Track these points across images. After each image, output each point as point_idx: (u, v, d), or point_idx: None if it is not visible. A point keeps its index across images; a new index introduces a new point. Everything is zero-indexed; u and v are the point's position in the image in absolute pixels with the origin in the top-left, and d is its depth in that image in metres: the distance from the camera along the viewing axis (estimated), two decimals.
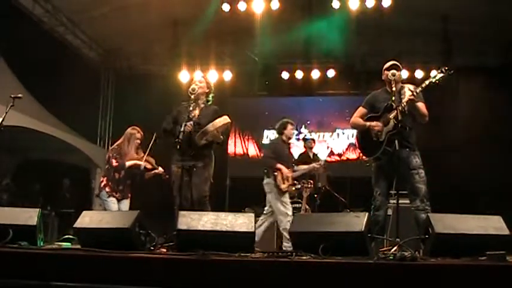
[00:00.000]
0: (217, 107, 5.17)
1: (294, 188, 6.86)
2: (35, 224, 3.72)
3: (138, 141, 5.86)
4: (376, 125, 4.58)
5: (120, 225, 3.51)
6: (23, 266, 3.12)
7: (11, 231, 3.58)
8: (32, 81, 8.64)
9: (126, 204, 5.83)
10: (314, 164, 7.21)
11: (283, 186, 6.32)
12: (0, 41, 8.22)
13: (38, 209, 3.84)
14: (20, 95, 5.09)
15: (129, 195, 5.88)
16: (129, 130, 5.92)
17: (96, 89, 11.30)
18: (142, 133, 5.93)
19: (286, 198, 6.41)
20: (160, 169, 5.81)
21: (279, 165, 6.34)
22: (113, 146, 6.09)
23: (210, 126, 4.77)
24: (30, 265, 3.13)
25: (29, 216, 3.77)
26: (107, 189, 5.72)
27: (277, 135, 6.80)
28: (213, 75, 10.20)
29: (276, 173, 6.32)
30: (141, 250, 3.42)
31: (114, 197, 5.72)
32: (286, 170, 6.36)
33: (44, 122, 9.01)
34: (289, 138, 6.74)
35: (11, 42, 8.29)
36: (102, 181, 5.83)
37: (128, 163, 5.72)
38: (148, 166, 5.76)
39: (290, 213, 6.28)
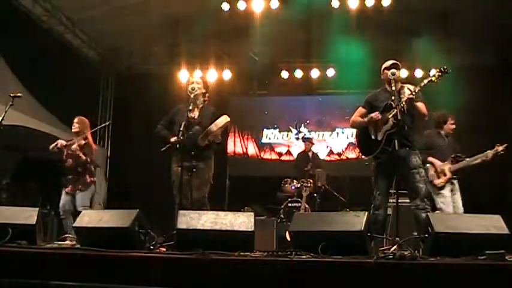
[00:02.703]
0: (214, 107, 5.18)
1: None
2: (34, 223, 3.72)
3: (74, 128, 6.03)
4: (375, 115, 4.55)
5: (119, 224, 3.51)
6: (22, 266, 3.12)
7: (10, 230, 3.58)
8: (31, 80, 8.60)
9: (81, 196, 5.74)
10: (486, 153, 6.27)
11: (438, 182, 5.87)
12: None
13: (37, 208, 3.85)
14: (19, 94, 5.10)
15: (82, 187, 5.79)
16: None
17: (96, 88, 11.27)
18: (81, 119, 6.11)
19: (443, 197, 5.87)
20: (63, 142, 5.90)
21: (431, 159, 5.93)
22: None
23: (213, 127, 4.77)
24: (29, 264, 3.13)
25: (28, 215, 3.77)
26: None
27: (433, 128, 6.21)
28: (212, 75, 10.20)
29: (427, 167, 5.87)
30: (141, 249, 3.42)
31: (66, 192, 5.78)
32: (439, 163, 5.93)
33: (43, 121, 8.99)
34: (448, 132, 6.19)
35: (10, 41, 8.27)
36: None
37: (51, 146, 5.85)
38: (75, 146, 5.77)
39: (448, 210, 5.79)
